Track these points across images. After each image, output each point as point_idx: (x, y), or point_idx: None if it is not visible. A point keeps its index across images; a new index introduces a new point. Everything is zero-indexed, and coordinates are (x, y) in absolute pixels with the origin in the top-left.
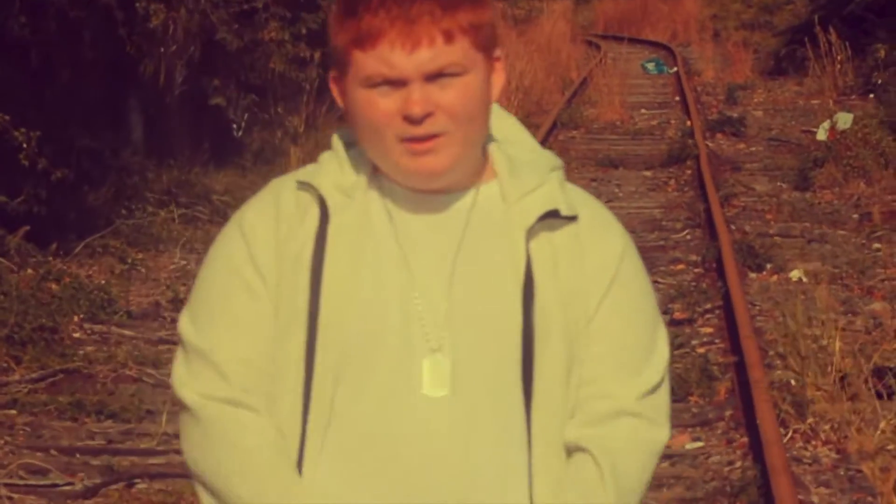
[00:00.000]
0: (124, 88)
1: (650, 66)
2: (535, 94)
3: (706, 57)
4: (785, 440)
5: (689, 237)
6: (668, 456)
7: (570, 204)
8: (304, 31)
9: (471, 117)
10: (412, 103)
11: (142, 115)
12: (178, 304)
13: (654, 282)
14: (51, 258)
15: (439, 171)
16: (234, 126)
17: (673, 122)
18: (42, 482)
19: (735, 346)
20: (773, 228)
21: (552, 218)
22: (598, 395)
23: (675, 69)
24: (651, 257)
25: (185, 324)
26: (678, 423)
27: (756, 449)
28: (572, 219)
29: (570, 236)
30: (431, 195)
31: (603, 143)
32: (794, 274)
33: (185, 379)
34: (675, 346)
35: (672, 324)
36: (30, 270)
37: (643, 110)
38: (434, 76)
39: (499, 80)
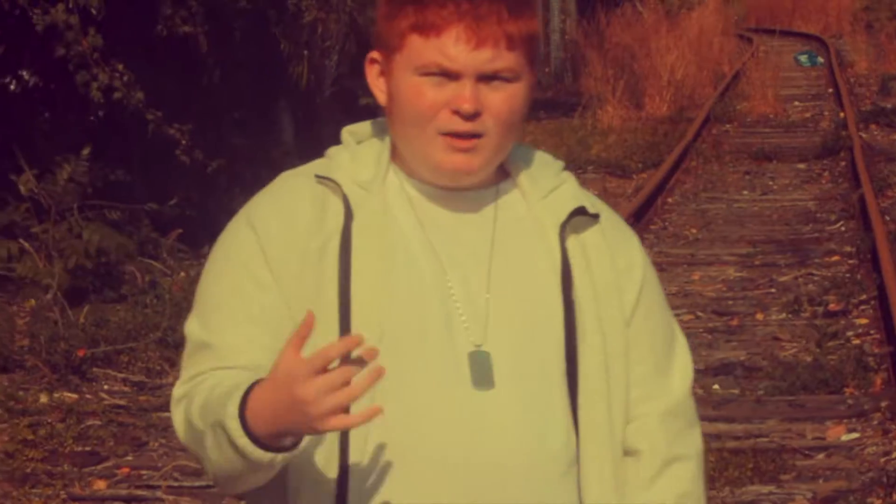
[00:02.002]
0: (275, 90)
1: (803, 58)
2: (687, 87)
3: (859, 48)
4: None
5: (843, 228)
6: (823, 447)
7: (593, 202)
8: None
9: (511, 125)
10: (464, 99)
11: (293, 116)
12: None
13: (809, 274)
14: (203, 260)
15: (472, 171)
16: None
17: (826, 113)
18: (197, 483)
19: (891, 337)
20: None
21: (578, 216)
22: (646, 397)
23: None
24: (805, 249)
25: (191, 323)
26: (833, 414)
27: None
28: (595, 217)
29: (597, 234)
30: (455, 191)
31: (756, 137)
32: None
33: (179, 381)
34: (828, 337)
35: (826, 315)
36: (182, 273)
37: (796, 102)
38: (488, 77)
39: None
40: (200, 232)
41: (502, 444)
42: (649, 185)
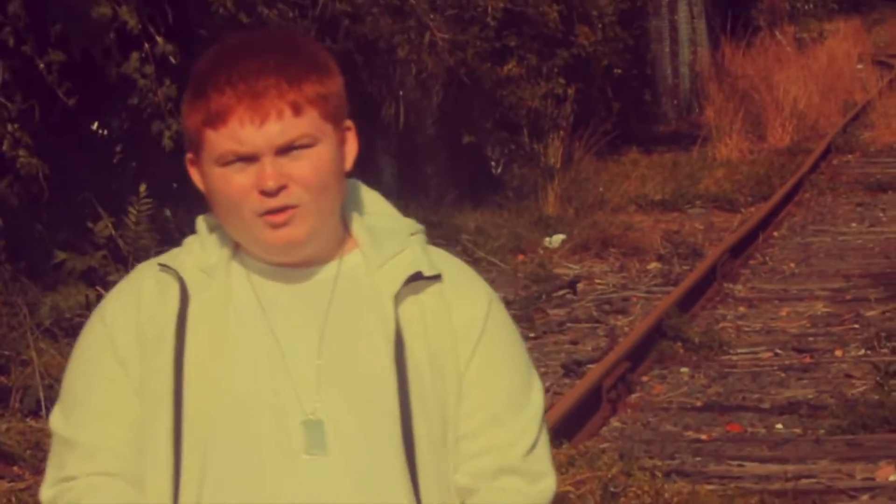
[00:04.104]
0: (371, 131)
1: None
2: (810, 118)
3: None
4: None
5: None
6: (869, 488)
7: (433, 264)
8: (556, 67)
9: (324, 187)
10: (266, 177)
11: (393, 157)
12: None
13: None
14: None
15: (298, 242)
16: (493, 164)
17: None
18: None
19: None
20: None
21: (417, 280)
22: (481, 451)
23: None
24: None
25: (56, 418)
26: (889, 454)
27: None
28: (436, 278)
29: (435, 296)
30: (295, 268)
31: (876, 167)
32: None
33: (48, 480)
34: (890, 374)
35: None
36: None
37: None
38: (285, 149)
39: (351, 149)
40: None
41: None
42: (752, 220)
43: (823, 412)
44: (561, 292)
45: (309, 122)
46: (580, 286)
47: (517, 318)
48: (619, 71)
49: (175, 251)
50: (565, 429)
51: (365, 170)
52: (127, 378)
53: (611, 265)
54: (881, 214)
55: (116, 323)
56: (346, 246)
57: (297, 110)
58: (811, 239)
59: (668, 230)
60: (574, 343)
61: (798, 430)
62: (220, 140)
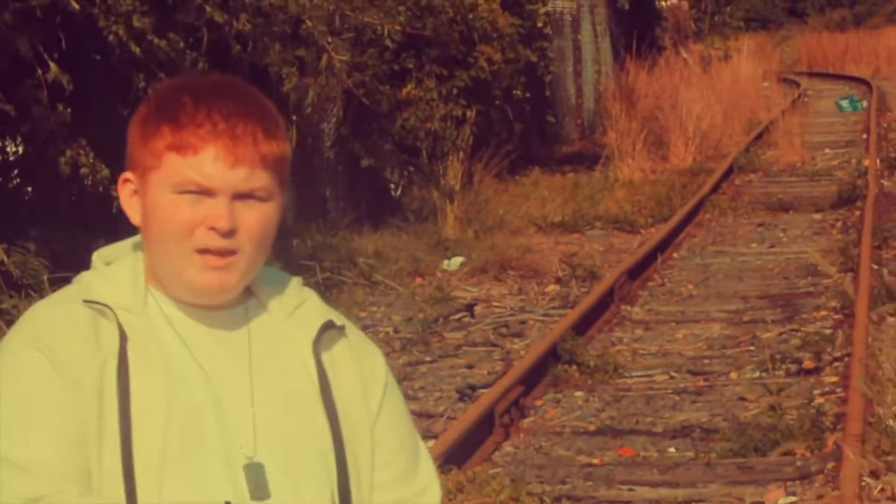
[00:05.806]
0: None
1: (844, 103)
2: (713, 138)
3: None
4: (876, 492)
5: (840, 282)
6: None
7: (337, 315)
8: (455, 90)
9: (262, 243)
10: (219, 216)
11: (290, 180)
12: None
13: (793, 330)
14: None
15: (226, 289)
16: (392, 186)
17: (854, 161)
18: None
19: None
20: None
21: (329, 329)
22: (395, 502)
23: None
24: (796, 304)
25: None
26: (780, 477)
27: None
28: (342, 329)
29: (343, 345)
30: (209, 310)
31: (779, 186)
32: None
33: None
34: (782, 397)
35: (798, 373)
36: None
37: (827, 150)
38: (244, 196)
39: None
40: None
41: None
42: (651, 241)
43: (716, 435)
44: (458, 315)
45: (270, 178)
46: (478, 309)
47: (413, 342)
48: (519, 93)
49: (74, 289)
50: (457, 455)
51: None
52: (74, 407)
53: (509, 288)
54: (782, 234)
55: (57, 355)
56: (243, 294)
57: (265, 163)
58: (710, 260)
59: (567, 252)
60: (470, 367)
61: (690, 454)
62: (184, 167)
